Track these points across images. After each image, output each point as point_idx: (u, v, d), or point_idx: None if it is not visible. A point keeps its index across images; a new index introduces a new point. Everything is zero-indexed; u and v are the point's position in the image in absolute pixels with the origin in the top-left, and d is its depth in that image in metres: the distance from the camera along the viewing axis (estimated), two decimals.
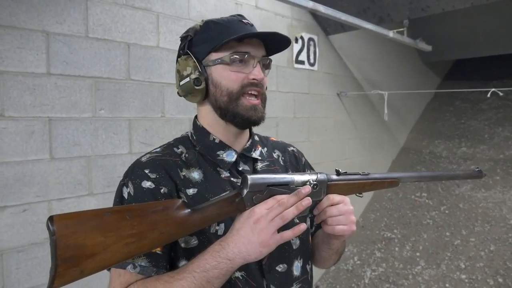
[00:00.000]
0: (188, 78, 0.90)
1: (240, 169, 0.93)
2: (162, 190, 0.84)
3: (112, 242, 0.67)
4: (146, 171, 0.86)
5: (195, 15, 2.44)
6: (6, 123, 1.72)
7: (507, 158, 4.12)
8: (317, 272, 3.39)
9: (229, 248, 0.75)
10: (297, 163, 1.07)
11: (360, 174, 0.91)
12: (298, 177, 0.82)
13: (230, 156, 0.92)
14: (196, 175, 0.89)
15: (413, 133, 5.06)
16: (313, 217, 0.93)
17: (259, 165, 0.97)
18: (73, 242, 0.64)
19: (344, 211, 0.85)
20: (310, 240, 1.03)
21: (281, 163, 1.03)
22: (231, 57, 0.87)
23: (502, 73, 5.20)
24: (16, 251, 1.75)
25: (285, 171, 1.01)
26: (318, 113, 3.47)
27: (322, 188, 0.84)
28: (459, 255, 3.35)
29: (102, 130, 2.03)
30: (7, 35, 1.72)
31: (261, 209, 0.76)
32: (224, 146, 0.93)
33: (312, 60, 3.37)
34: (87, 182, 1.98)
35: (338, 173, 0.89)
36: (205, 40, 0.89)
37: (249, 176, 0.78)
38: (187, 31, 0.93)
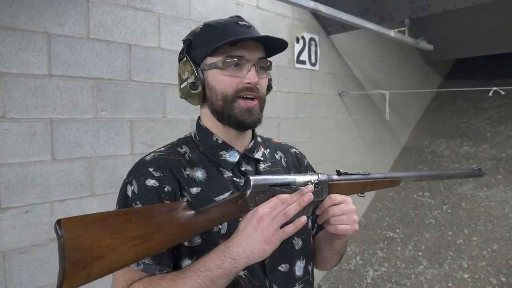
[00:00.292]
0: (186, 82, 0.90)
1: (243, 169, 0.94)
2: (166, 189, 0.85)
3: (118, 244, 0.68)
4: (150, 170, 0.86)
5: (196, 16, 2.44)
6: (8, 124, 1.73)
7: (509, 157, 4.10)
8: (319, 272, 3.39)
9: (233, 247, 0.76)
10: (299, 164, 1.07)
11: (361, 174, 0.92)
12: (300, 178, 0.83)
13: (233, 157, 0.93)
14: (199, 174, 0.90)
15: (415, 132, 5.05)
16: (314, 218, 0.93)
17: (262, 166, 0.97)
18: (81, 245, 0.65)
19: (346, 210, 0.86)
20: (312, 241, 1.03)
21: (284, 164, 1.03)
22: (224, 62, 0.87)
23: (504, 72, 5.19)
24: (18, 253, 1.76)
25: (288, 172, 1.02)
26: (319, 113, 3.46)
27: (324, 188, 0.85)
28: (461, 255, 3.34)
29: (104, 131, 2.03)
30: (9, 36, 1.72)
31: (264, 208, 0.77)
32: (227, 147, 0.93)
33: (313, 60, 3.37)
34: (89, 183, 1.98)
35: (338, 173, 0.90)
36: (202, 44, 0.90)
37: (251, 177, 0.79)
38: (188, 34, 0.94)
